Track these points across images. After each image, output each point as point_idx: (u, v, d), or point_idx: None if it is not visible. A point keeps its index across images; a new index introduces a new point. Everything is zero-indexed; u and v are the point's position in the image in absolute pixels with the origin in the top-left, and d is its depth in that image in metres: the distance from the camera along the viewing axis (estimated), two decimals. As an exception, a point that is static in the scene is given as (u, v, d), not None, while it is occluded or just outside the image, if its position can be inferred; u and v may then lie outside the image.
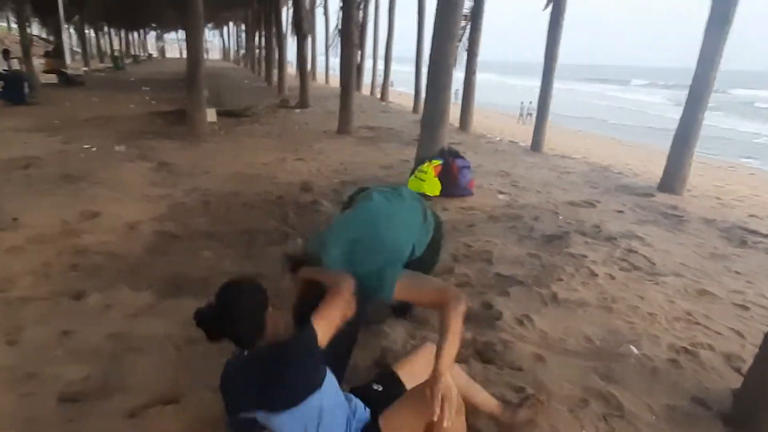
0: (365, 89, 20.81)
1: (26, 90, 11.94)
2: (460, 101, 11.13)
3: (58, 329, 2.64)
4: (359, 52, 19.16)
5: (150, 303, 2.97)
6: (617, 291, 3.27)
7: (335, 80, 18.31)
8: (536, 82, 9.07)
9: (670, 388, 2.32)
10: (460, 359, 2.21)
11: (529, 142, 9.28)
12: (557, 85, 8.81)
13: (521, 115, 20.06)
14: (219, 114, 10.30)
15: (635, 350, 2.58)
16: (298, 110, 12.41)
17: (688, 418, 2.13)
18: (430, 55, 5.34)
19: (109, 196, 4.97)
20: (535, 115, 9.81)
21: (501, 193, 5.60)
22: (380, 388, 1.80)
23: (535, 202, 5.31)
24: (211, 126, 9.01)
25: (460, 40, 10.93)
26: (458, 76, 10.94)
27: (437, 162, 5.23)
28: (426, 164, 5.24)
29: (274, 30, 18.39)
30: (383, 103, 15.60)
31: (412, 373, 1.83)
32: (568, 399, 2.20)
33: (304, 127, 9.89)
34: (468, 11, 10.54)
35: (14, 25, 26.73)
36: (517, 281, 3.33)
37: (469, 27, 10.71)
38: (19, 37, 16.90)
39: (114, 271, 3.35)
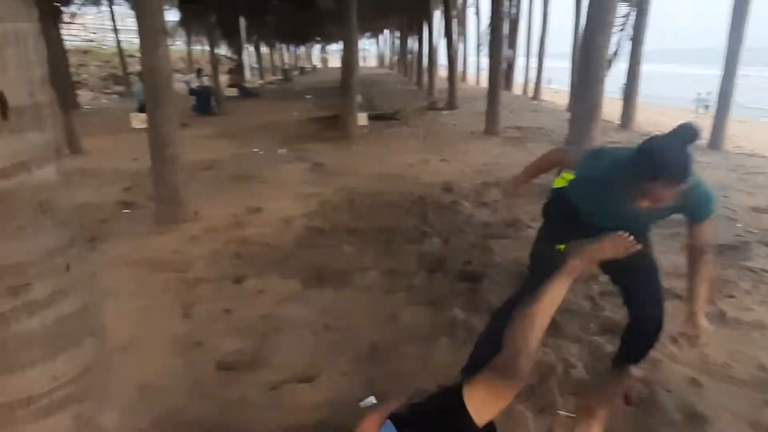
0: (518, 88, 20.16)
1: (213, 103, 13.87)
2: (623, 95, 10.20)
3: (221, 307, 3.03)
4: (511, 51, 18.65)
5: (296, 290, 3.24)
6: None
7: (486, 81, 18.11)
8: (717, 71, 7.92)
9: None
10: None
11: (707, 139, 8.14)
12: (746, 71, 7.60)
13: (698, 108, 17.69)
14: (370, 118, 10.81)
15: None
16: (445, 112, 12.50)
17: None
18: (581, 47, 4.99)
19: (270, 193, 5.54)
20: (712, 107, 8.56)
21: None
22: None
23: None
24: (361, 129, 9.51)
25: (622, 29, 10.05)
26: (622, 67, 10.08)
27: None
28: (575, 163, 4.90)
29: (426, 34, 18.77)
30: (535, 102, 14.96)
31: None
32: (728, 432, 1.90)
33: (450, 129, 9.93)
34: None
35: (207, 48, 31.23)
36: (674, 294, 2.95)
37: (634, 13, 9.76)
38: (209, 58, 19.64)
39: (268, 260, 3.73)
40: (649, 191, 1.57)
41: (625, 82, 9.99)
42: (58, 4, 15.96)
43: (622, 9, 10.43)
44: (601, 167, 1.81)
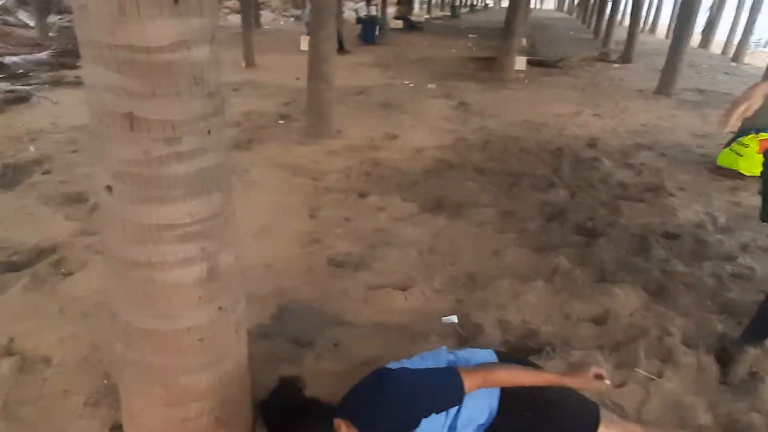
0: (717, 46, 17.33)
1: (377, 33, 14.21)
2: None
3: (344, 215, 3.36)
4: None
5: (413, 212, 3.45)
6: None
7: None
8: None
9: None
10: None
11: None
12: None
13: None
14: (529, 63, 10.26)
15: None
16: (616, 65, 11.36)
17: None
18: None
19: (410, 124, 5.72)
20: None
21: None
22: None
23: None
24: (517, 74, 9.12)
25: None
26: None
27: (766, 135, 4.21)
28: (750, 136, 4.28)
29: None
30: (734, 64, 12.81)
31: None
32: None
33: (616, 83, 9.07)
34: None
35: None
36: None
37: None
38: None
39: (394, 182, 3.97)
40: None
41: None
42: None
43: None
44: None
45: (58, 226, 3.14)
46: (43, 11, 10.24)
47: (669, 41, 8.79)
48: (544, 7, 68.66)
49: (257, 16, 16.90)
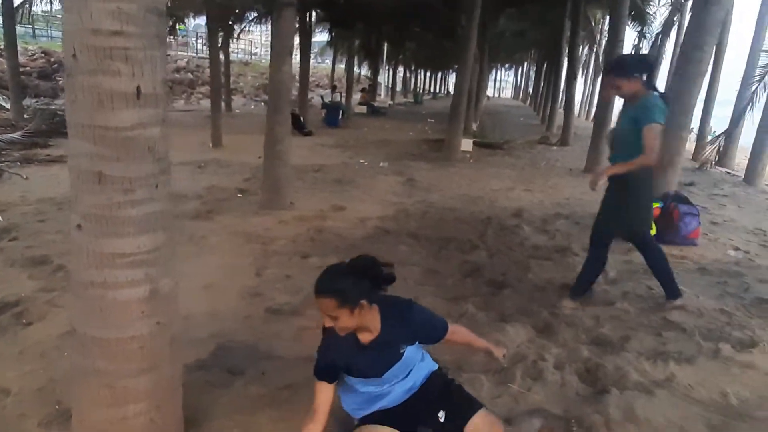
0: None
1: (340, 117, 15.29)
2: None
3: (286, 273, 3.79)
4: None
5: (347, 271, 3.89)
6: (810, 368, 2.74)
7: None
8: None
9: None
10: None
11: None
12: None
13: None
14: (476, 144, 11.28)
15: (776, 419, 2.26)
16: (555, 147, 12.53)
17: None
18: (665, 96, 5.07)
19: (359, 197, 6.31)
20: None
21: (736, 249, 4.88)
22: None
23: (783, 266, 4.48)
24: (463, 154, 10.03)
25: (761, 80, 9.47)
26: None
27: (655, 205, 4.92)
28: (642, 205, 4.99)
29: (554, 70, 18.73)
30: (658, 148, 14.24)
31: None
32: (652, 429, 2.16)
33: (551, 163, 10.06)
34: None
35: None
36: (680, 328, 3.12)
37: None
38: (346, 76, 21.56)
39: (334, 246, 4.45)
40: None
41: (756, 135, 9.36)
42: (232, 23, 18.68)
43: (763, 59, 9.85)
44: None
45: (22, 284, 3.46)
46: (19, 95, 10.82)
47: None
48: (503, 95, 73.91)
49: (229, 101, 17.93)
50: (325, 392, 1.78)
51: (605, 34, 26.07)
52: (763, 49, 10.61)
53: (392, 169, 8.37)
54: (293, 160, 8.24)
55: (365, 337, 1.80)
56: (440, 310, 3.23)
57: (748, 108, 9.38)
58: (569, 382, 2.50)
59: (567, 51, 13.62)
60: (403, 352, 1.82)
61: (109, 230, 1.65)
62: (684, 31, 14.44)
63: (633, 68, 3.14)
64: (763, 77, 9.09)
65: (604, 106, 8.99)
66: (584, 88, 31.68)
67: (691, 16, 4.92)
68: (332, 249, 4.37)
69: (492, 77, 69.52)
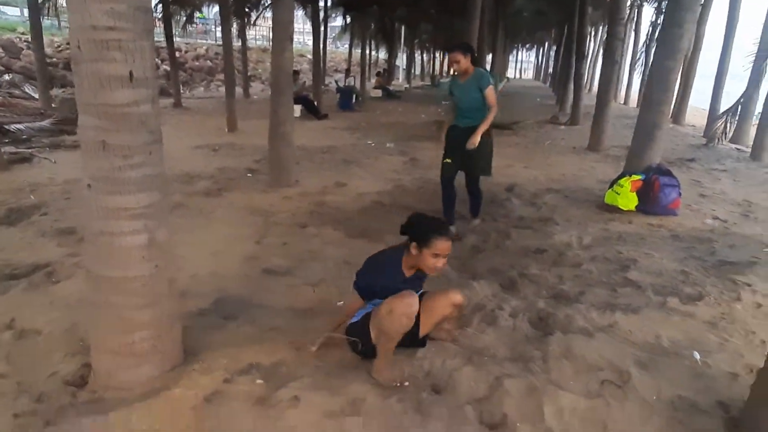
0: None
1: (353, 101, 15.59)
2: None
3: (283, 241, 4.18)
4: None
5: (340, 238, 4.29)
6: (747, 317, 3.02)
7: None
8: None
9: (700, 387, 2.32)
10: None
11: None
12: None
13: None
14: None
15: (698, 356, 2.56)
16: (563, 127, 12.62)
17: (690, 411, 2.17)
18: (649, 72, 5.26)
19: (361, 175, 6.66)
20: None
21: (715, 218, 5.08)
22: None
23: (756, 234, 4.68)
24: (470, 134, 10.23)
25: None
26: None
27: (637, 177, 5.15)
28: (625, 178, 5.22)
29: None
30: (671, 126, 14.17)
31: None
32: (585, 365, 2.48)
33: (556, 142, 10.21)
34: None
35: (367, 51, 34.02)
36: (635, 285, 3.41)
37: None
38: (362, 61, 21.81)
39: (332, 217, 4.82)
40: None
41: (762, 109, 9.35)
42: (248, 10, 19.08)
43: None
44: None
45: (51, 250, 3.93)
46: (46, 85, 11.42)
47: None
48: (525, 76, 72.86)
49: (247, 87, 18.41)
50: (356, 302, 2.54)
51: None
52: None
53: (397, 149, 8.68)
54: (305, 141, 8.67)
55: (409, 272, 2.47)
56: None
57: (756, 84, 9.36)
58: (520, 328, 2.84)
59: (576, 30, 13.59)
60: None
61: (113, 189, 2.04)
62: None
63: (468, 49, 4.31)
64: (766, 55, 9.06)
65: (605, 84, 9.11)
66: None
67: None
68: (329, 220, 4.74)
69: (513, 58, 68.88)
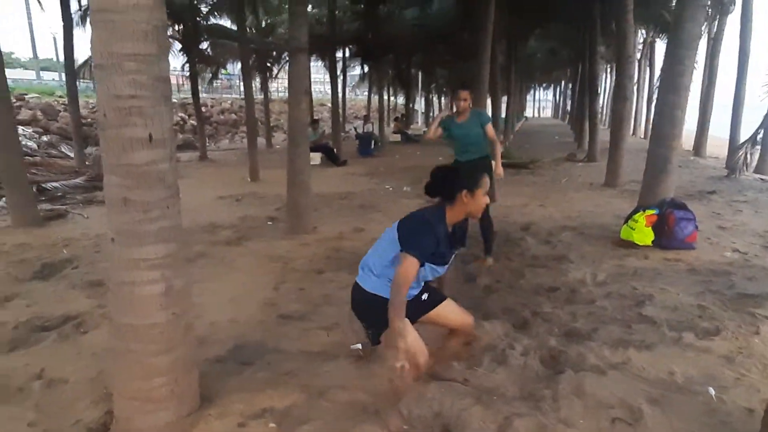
0: (687, 141, 18.78)
1: (372, 146, 15.98)
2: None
3: (300, 287, 4.30)
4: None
5: (353, 283, 4.35)
6: (766, 351, 2.95)
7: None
8: None
9: (714, 423, 2.28)
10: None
11: None
12: None
13: None
14: (502, 165, 11.56)
15: (712, 392, 2.52)
16: (580, 164, 12.65)
17: (703, 449, 2.14)
18: (655, 106, 5.35)
19: (378, 219, 6.80)
20: None
21: (734, 251, 5.00)
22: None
23: (779, 266, 4.59)
24: (486, 175, 10.35)
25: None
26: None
27: (651, 212, 5.14)
28: (639, 213, 5.22)
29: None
30: (692, 158, 14.08)
31: None
32: (596, 402, 2.47)
33: (573, 179, 10.24)
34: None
35: (385, 97, 34.94)
36: (650, 321, 3.38)
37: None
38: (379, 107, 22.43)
39: (348, 262, 4.92)
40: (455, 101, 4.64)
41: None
42: (270, 65, 20.01)
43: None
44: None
45: (81, 302, 4.12)
46: (81, 144, 12.08)
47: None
48: (543, 115, 73.45)
49: (269, 137, 19.07)
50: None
51: (638, 48, 25.99)
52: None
53: (414, 192, 8.84)
54: (324, 188, 8.92)
55: (449, 228, 2.48)
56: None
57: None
58: (531, 366, 2.84)
59: (588, 68, 13.81)
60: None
61: (134, 241, 2.20)
62: (708, 40, 14.41)
63: (472, 90, 4.89)
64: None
65: (618, 122, 9.19)
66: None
67: (669, 34, 5.20)
68: (345, 265, 4.85)
69: (531, 97, 69.71)
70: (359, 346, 3.16)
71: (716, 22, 14.72)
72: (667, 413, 2.37)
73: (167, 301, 2.29)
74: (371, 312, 2.52)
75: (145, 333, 2.27)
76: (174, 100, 24.22)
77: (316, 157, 12.95)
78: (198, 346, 3.04)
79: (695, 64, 16.00)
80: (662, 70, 5.29)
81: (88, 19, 12.36)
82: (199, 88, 16.47)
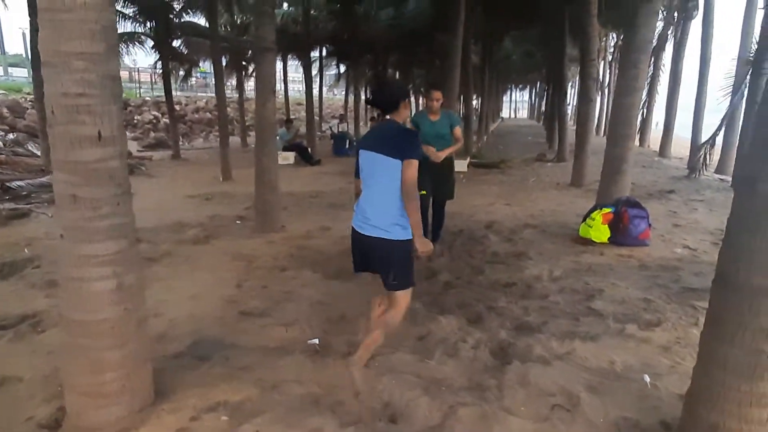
0: (656, 142, 19.31)
1: (347, 146, 16.02)
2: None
3: (262, 284, 4.34)
4: (646, 102, 18.20)
5: (316, 279, 4.43)
6: (702, 341, 3.12)
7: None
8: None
9: (646, 408, 2.42)
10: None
11: None
12: None
13: None
14: (472, 165, 11.77)
15: (648, 379, 2.66)
16: (550, 164, 12.91)
17: (633, 430, 2.27)
18: (611, 109, 5.54)
19: (346, 218, 6.80)
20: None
21: (685, 247, 5.22)
22: None
23: (725, 261, 4.80)
24: (457, 174, 10.50)
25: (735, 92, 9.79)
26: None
27: (607, 210, 5.33)
28: (596, 212, 5.40)
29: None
30: (656, 159, 14.50)
31: None
32: (539, 391, 2.59)
33: (540, 179, 10.47)
34: (752, 55, 9.42)
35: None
36: (598, 314, 3.53)
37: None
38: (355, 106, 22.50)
39: (312, 260, 4.98)
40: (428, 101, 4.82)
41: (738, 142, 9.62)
42: (246, 63, 19.87)
43: (741, 70, 10.17)
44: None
45: (39, 302, 4.08)
46: (48, 143, 11.83)
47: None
48: (519, 116, 74.43)
49: (244, 136, 18.94)
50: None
51: (610, 49, 26.58)
52: (749, 56, 10.92)
53: (385, 192, 8.90)
54: (295, 187, 8.95)
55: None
56: (389, 307, 3.73)
57: (726, 117, 9.72)
58: (480, 358, 2.95)
59: (557, 69, 14.11)
60: None
61: (83, 238, 2.22)
62: (673, 45, 14.85)
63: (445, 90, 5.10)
64: (740, 88, 9.43)
65: (584, 123, 9.45)
66: (602, 103, 31.82)
67: (623, 37, 5.41)
68: (309, 263, 4.90)
69: (508, 98, 70.53)
70: (316, 341, 3.23)
71: (680, 27, 15.17)
72: (604, 399, 2.50)
73: (119, 297, 2.32)
74: (401, 255, 2.66)
75: (95, 328, 2.30)
76: (147, 98, 23.88)
77: (290, 157, 12.94)
78: (156, 342, 3.09)
79: (662, 68, 16.61)
80: (618, 71, 5.48)
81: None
82: (174, 86, 16.27)
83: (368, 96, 3.03)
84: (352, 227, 2.83)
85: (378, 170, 2.62)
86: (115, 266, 2.30)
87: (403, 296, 2.72)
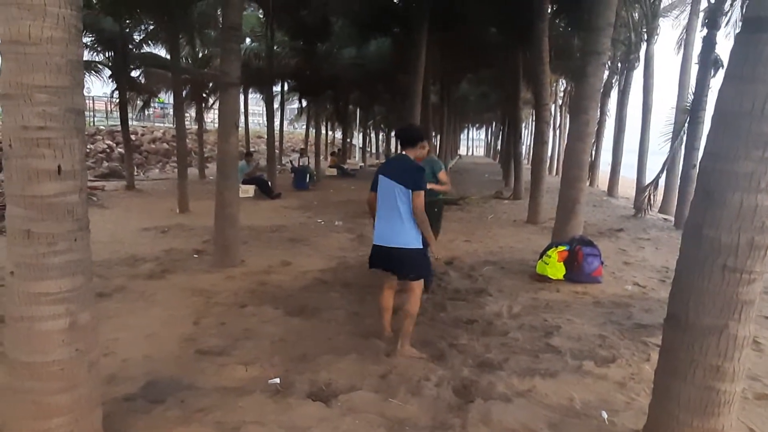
0: (603, 182, 20.26)
1: (308, 180, 16.00)
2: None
3: (221, 321, 4.22)
4: (594, 145, 19.12)
5: (277, 316, 4.35)
6: (654, 376, 3.24)
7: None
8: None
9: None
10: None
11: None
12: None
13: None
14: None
15: (605, 415, 2.73)
16: (506, 201, 13.30)
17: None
18: (564, 152, 5.82)
19: (307, 252, 6.81)
20: None
21: (635, 284, 5.46)
22: None
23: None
24: (417, 210, 10.66)
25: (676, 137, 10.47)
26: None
27: (563, 248, 5.53)
28: (552, 249, 5.59)
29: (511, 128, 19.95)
30: (605, 198, 15.19)
31: None
32: (501, 429, 2.61)
33: (498, 216, 10.75)
34: (689, 104, 10.15)
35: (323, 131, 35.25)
36: (556, 351, 3.61)
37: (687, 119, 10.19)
38: (316, 141, 22.61)
39: (272, 296, 4.90)
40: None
41: (679, 183, 10.23)
42: (206, 95, 19.74)
43: (680, 118, 10.92)
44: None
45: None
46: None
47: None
48: (476, 153, 76.63)
49: (202, 168, 18.64)
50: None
51: (560, 94, 28.01)
52: (686, 106, 11.77)
53: (345, 227, 8.93)
54: (255, 221, 8.84)
55: None
56: (351, 346, 3.71)
57: (667, 161, 10.39)
58: (443, 396, 2.95)
59: (511, 111, 14.74)
60: None
61: (36, 275, 2.13)
62: (619, 92, 15.83)
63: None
64: (679, 134, 10.12)
65: (538, 163, 9.86)
66: (554, 144, 33.24)
67: (574, 86, 5.77)
68: (269, 299, 4.82)
69: (465, 136, 72.70)
70: (277, 380, 3.15)
71: (623, 77, 16.23)
72: (563, 437, 2.54)
73: (70, 337, 2.22)
74: (419, 260, 3.55)
75: (44, 370, 2.18)
76: (102, 127, 23.17)
77: (249, 190, 12.80)
78: (106, 384, 2.95)
79: (607, 114, 17.61)
80: (569, 117, 5.80)
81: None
82: (130, 115, 15.94)
83: (397, 130, 4.27)
84: (375, 244, 3.61)
85: (395, 195, 3.44)
86: (69, 304, 2.21)
87: (417, 284, 3.58)
